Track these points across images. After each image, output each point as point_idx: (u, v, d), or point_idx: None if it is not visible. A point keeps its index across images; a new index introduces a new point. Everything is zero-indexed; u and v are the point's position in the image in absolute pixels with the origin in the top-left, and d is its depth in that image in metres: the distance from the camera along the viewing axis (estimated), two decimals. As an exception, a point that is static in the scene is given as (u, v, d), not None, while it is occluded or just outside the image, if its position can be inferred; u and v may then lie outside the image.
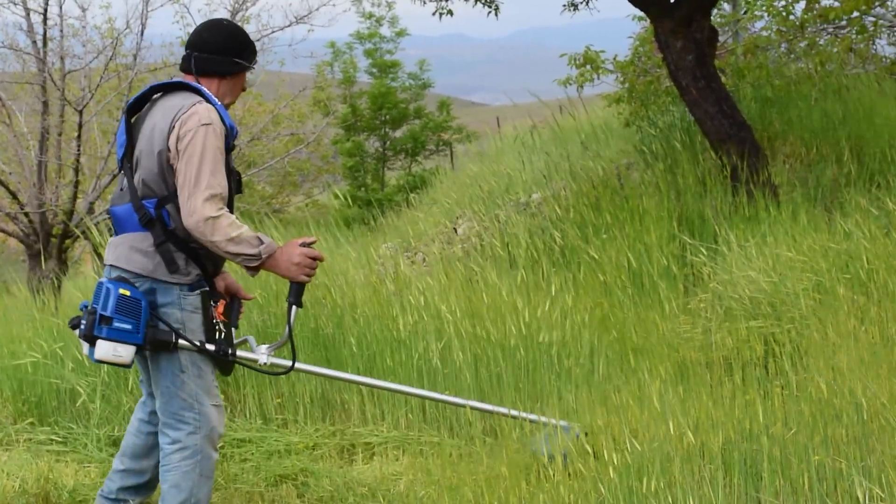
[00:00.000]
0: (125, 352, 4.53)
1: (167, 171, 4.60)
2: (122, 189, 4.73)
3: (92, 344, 4.55)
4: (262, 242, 4.63)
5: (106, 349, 4.51)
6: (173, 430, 4.70)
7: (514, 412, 5.67)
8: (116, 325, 4.50)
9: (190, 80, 4.83)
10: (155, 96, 4.82)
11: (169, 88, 4.79)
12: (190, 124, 4.55)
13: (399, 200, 22.09)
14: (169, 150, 4.57)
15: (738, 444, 4.44)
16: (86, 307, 4.61)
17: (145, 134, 4.65)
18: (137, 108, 4.87)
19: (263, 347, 5.02)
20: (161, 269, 4.61)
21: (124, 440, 5.10)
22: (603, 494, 4.36)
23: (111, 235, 4.84)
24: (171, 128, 4.56)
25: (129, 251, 4.63)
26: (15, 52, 15.54)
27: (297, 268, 4.76)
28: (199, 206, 4.48)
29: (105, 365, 5.40)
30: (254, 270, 4.74)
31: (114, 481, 5.06)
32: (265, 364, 4.97)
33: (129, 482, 5.03)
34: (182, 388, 4.68)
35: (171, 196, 4.60)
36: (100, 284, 4.57)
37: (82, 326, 4.57)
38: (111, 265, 4.69)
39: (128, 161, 4.71)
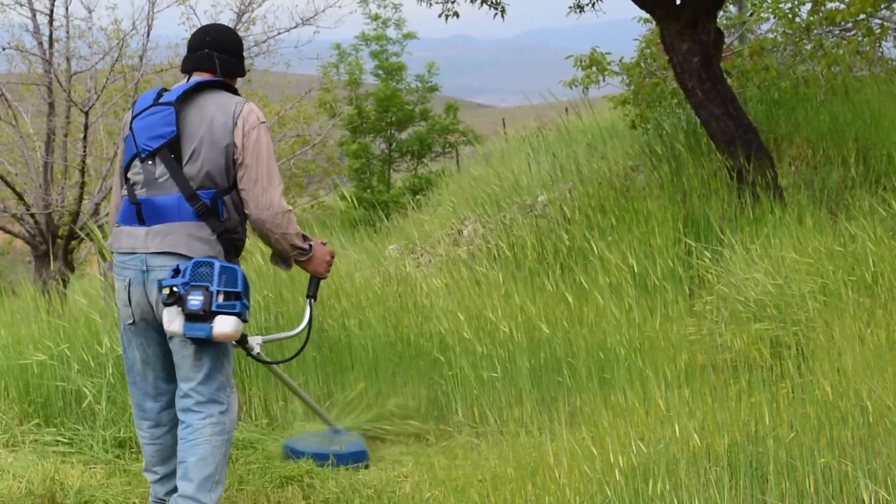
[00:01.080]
0: (242, 328, 4.74)
1: (231, 165, 4.79)
2: (157, 179, 4.81)
3: (205, 320, 4.60)
4: (308, 240, 5.04)
5: (233, 324, 4.65)
6: (208, 408, 4.83)
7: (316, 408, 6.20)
8: (245, 301, 4.70)
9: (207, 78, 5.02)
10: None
11: (208, 86, 4.95)
12: (251, 121, 4.82)
13: (404, 202, 22.09)
14: (236, 145, 4.77)
15: (744, 447, 4.44)
16: (185, 284, 4.61)
17: (202, 126, 4.79)
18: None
19: (258, 338, 5.20)
20: (221, 257, 4.78)
21: (145, 453, 5.18)
22: (609, 496, 4.36)
23: (136, 224, 4.87)
24: (235, 124, 4.79)
25: (188, 238, 4.74)
26: (21, 54, 15.53)
27: (326, 265, 5.19)
28: (277, 200, 4.80)
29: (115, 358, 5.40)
30: (289, 265, 5.12)
31: (157, 490, 5.19)
32: (257, 354, 5.16)
33: (172, 484, 5.11)
34: (221, 372, 4.86)
35: (229, 189, 4.81)
36: (205, 263, 4.65)
37: (195, 303, 4.58)
38: (165, 251, 4.75)
39: (170, 152, 4.79)
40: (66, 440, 6.43)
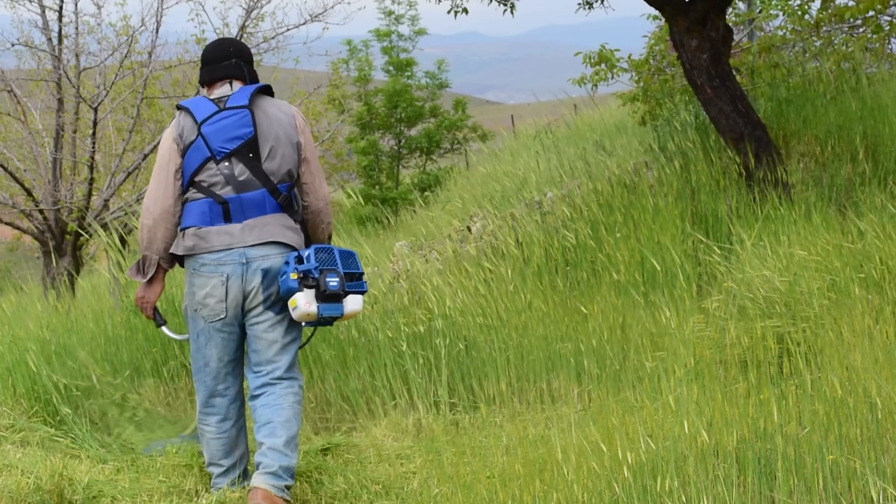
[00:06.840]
0: None
1: (299, 160, 5.34)
2: (238, 178, 5.18)
3: (339, 300, 5.15)
4: None
5: (362, 302, 5.29)
6: (293, 381, 5.30)
7: None
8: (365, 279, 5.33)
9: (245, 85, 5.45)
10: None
11: (258, 91, 5.38)
12: (302, 121, 5.40)
13: (413, 199, 22.08)
14: (300, 143, 5.25)
15: (753, 444, 4.43)
16: (317, 269, 5.07)
17: (273, 125, 5.27)
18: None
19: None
20: (302, 244, 5.26)
21: (210, 448, 5.44)
22: (617, 493, 4.35)
23: (226, 222, 5.21)
24: (294, 124, 5.31)
25: (283, 229, 5.23)
26: (30, 49, 15.56)
27: None
28: (328, 192, 5.49)
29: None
30: None
31: (221, 482, 5.44)
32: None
33: (236, 474, 5.46)
34: (297, 352, 5.39)
35: (296, 181, 5.35)
36: (325, 249, 5.18)
37: (334, 284, 5.09)
38: (265, 242, 5.16)
39: (248, 151, 5.19)
40: (73, 436, 6.43)
